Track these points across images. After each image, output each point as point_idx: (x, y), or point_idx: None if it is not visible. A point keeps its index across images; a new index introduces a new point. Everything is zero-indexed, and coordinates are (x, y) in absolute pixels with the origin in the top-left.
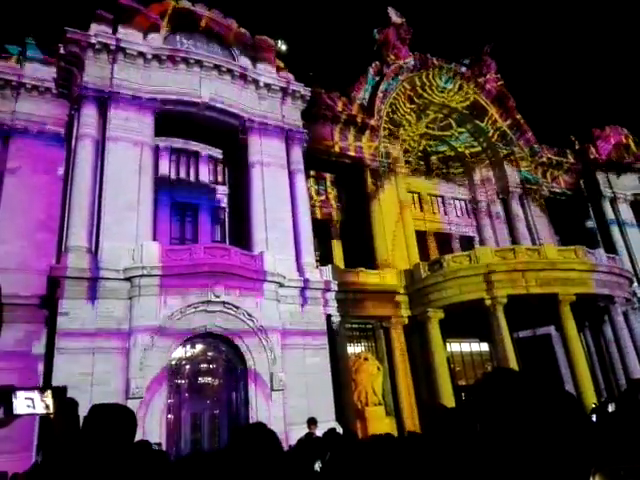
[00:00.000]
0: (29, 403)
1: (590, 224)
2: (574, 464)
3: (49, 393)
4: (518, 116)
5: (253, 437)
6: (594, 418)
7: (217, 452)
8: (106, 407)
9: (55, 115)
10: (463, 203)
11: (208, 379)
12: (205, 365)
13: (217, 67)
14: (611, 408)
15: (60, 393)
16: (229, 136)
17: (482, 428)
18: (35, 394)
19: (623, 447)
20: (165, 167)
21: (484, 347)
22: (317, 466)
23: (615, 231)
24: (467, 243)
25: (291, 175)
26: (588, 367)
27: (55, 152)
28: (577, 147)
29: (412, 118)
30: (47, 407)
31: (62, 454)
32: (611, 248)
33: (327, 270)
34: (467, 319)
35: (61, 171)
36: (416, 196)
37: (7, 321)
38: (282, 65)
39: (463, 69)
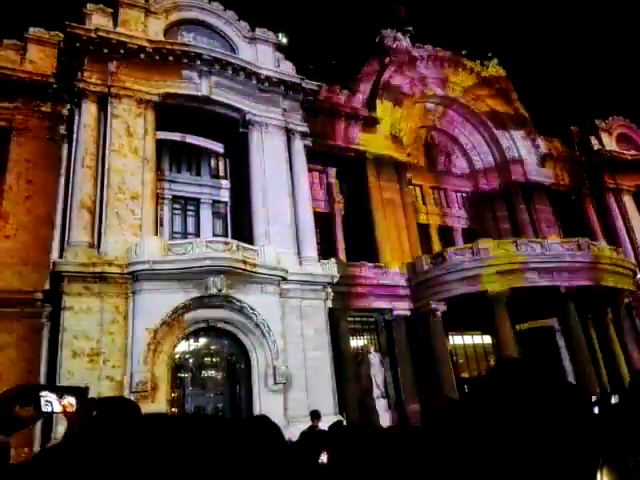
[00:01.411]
0: (48, 404)
1: (593, 216)
2: (582, 455)
3: (70, 396)
4: (519, 106)
5: (255, 429)
6: (597, 410)
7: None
8: (110, 400)
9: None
10: (466, 196)
11: (211, 373)
12: (208, 359)
13: (217, 60)
14: (614, 400)
15: (82, 394)
16: (230, 130)
17: (490, 418)
18: (53, 397)
19: (631, 439)
20: (166, 161)
21: (487, 339)
22: (322, 459)
23: (619, 223)
24: (470, 236)
25: (292, 168)
26: (591, 359)
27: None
28: (580, 138)
29: (415, 110)
30: (65, 408)
31: (72, 447)
32: (614, 240)
33: (330, 263)
34: (470, 312)
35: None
36: (418, 189)
37: (11, 317)
38: (283, 58)
39: (465, 60)
